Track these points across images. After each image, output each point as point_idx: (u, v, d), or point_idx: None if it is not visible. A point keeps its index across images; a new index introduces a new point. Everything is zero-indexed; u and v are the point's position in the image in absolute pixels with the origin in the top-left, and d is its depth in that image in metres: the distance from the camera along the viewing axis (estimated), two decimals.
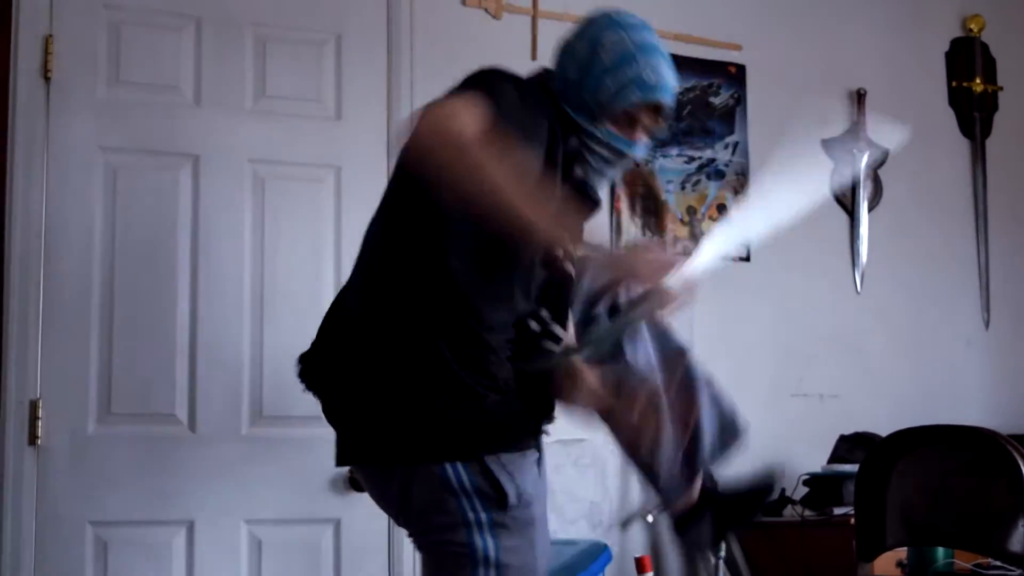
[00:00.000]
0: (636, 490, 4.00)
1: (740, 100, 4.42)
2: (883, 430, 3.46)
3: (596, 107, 2.40)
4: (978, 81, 4.83)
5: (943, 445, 3.13)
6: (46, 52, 3.51)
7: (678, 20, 4.29)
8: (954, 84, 4.83)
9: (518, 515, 2.25)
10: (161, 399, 3.54)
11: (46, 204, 3.48)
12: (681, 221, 4.28)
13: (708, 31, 4.34)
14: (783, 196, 2.43)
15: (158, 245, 3.59)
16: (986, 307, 4.76)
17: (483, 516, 2.23)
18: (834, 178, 4.43)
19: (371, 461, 2.34)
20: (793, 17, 4.57)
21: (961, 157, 4.82)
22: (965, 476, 3.03)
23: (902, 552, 3.54)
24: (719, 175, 4.37)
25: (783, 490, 4.08)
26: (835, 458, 4.08)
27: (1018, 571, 3.23)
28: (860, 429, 4.15)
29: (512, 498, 2.23)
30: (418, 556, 2.40)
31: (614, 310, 2.54)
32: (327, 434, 3.59)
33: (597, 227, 2.93)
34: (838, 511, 3.89)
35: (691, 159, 4.33)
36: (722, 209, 4.35)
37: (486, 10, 4.07)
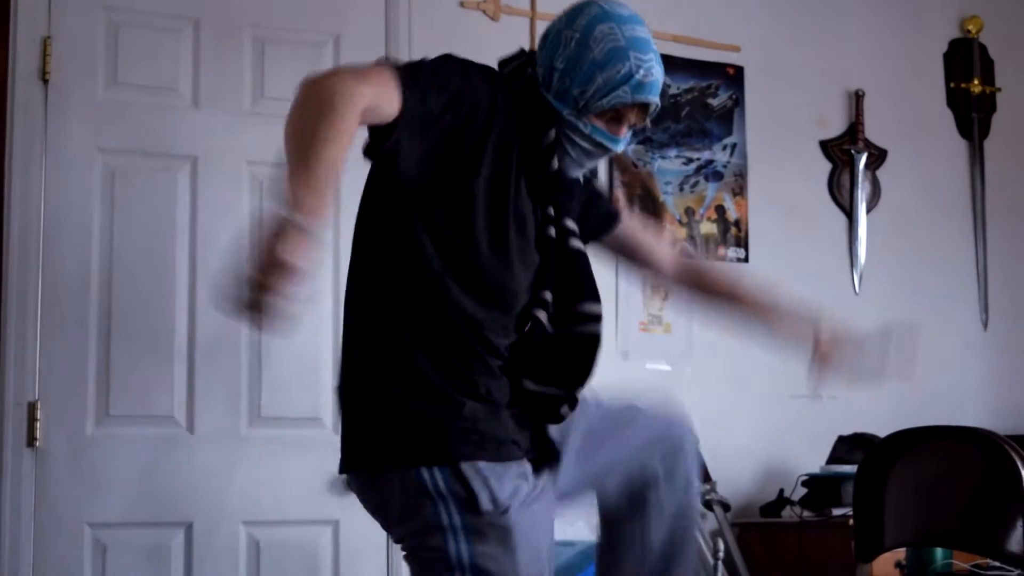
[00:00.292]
0: None
1: (738, 101, 4.42)
2: (882, 431, 3.46)
3: (583, 100, 2.32)
4: (976, 82, 4.83)
5: (942, 446, 3.12)
6: (44, 53, 3.51)
7: (676, 21, 4.29)
8: (952, 85, 4.83)
9: (495, 521, 2.20)
10: (159, 401, 3.54)
11: (44, 205, 3.48)
12: (679, 222, 4.29)
13: (706, 32, 4.34)
14: None
15: (156, 247, 3.59)
16: (984, 308, 4.76)
17: (457, 520, 2.21)
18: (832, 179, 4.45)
19: (357, 467, 2.32)
20: (792, 18, 4.57)
21: (959, 158, 4.82)
22: (964, 477, 3.02)
23: (901, 553, 3.54)
24: (717, 176, 4.37)
25: (781, 491, 4.08)
26: (834, 459, 4.08)
27: (1017, 572, 3.23)
28: (859, 430, 4.14)
29: (484, 504, 2.19)
30: None
31: None
32: (325, 435, 3.58)
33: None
34: (837, 512, 3.89)
35: (689, 160, 4.33)
36: (720, 210, 4.35)
37: (484, 12, 4.07)
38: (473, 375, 2.24)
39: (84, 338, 3.48)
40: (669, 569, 2.48)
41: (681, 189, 4.31)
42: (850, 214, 4.59)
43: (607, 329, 2.58)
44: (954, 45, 4.86)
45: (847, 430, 4.17)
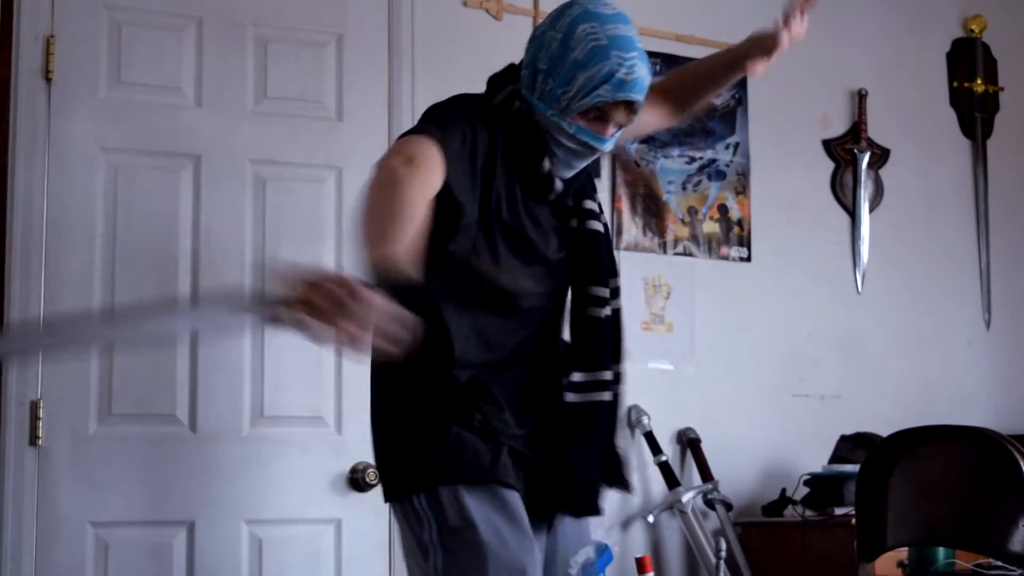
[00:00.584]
0: (637, 491, 3.99)
1: (741, 101, 4.42)
2: (884, 430, 3.46)
3: (566, 100, 2.34)
4: (979, 81, 4.83)
5: (944, 445, 3.12)
6: (47, 52, 3.51)
7: (679, 21, 4.29)
8: (955, 84, 4.82)
9: (466, 537, 2.30)
10: (162, 399, 3.54)
11: (47, 205, 3.48)
12: (682, 222, 4.28)
13: (709, 31, 4.34)
14: None
15: (159, 245, 3.59)
16: (987, 308, 4.75)
17: (436, 537, 2.32)
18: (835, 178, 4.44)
19: (387, 500, 2.46)
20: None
21: (962, 158, 4.82)
22: (966, 476, 3.02)
23: (903, 552, 3.54)
24: (720, 175, 4.37)
25: (784, 490, 4.08)
26: (836, 458, 4.08)
27: (1019, 571, 3.23)
28: (861, 429, 4.14)
29: (452, 520, 2.30)
30: None
31: None
32: (327, 435, 3.57)
33: None
34: (839, 511, 3.89)
35: (692, 159, 4.33)
36: (723, 209, 4.35)
37: (487, 11, 4.07)
38: (467, 402, 2.35)
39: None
40: None
41: (684, 188, 4.31)
42: (853, 213, 4.59)
43: None
44: (957, 44, 4.85)
45: (849, 429, 4.17)
